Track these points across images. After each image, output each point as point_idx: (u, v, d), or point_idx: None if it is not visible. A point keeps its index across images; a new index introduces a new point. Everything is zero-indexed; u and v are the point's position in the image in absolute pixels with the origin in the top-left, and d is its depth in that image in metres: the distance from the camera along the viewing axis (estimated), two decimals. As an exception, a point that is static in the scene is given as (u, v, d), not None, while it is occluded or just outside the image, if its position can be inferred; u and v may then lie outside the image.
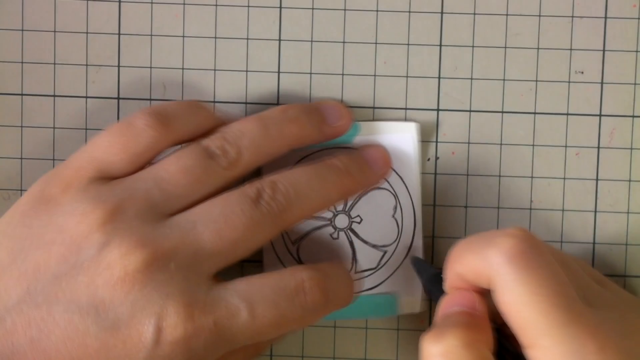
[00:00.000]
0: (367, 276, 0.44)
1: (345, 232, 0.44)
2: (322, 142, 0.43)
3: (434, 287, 0.40)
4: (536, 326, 0.33)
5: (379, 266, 0.44)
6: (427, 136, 0.45)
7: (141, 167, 0.39)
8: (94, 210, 0.36)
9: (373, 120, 0.45)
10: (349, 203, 0.44)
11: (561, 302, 0.34)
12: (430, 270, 0.41)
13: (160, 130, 0.38)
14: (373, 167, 0.43)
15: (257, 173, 0.43)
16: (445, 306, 0.37)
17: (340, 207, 0.44)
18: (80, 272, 0.36)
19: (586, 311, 0.34)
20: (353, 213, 0.44)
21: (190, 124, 0.40)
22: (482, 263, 0.35)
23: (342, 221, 0.44)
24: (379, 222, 0.44)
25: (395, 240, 0.44)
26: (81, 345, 0.35)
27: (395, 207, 0.44)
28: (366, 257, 0.44)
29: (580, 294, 0.36)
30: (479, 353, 0.34)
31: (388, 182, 0.44)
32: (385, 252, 0.44)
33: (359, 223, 0.44)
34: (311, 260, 0.44)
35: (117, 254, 0.36)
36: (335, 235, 0.44)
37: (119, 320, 0.35)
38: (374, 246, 0.44)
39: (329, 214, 0.44)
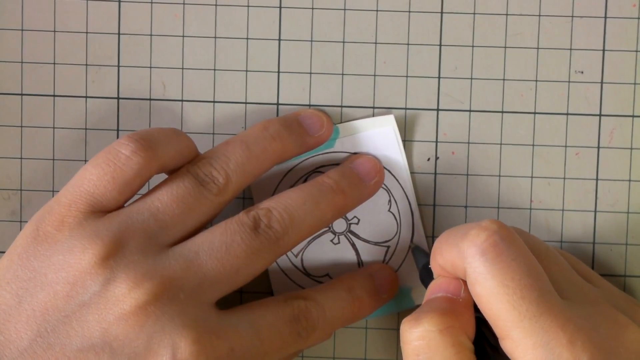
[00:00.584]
0: None
1: (345, 235, 0.44)
2: (305, 152, 0.44)
3: (426, 277, 0.40)
4: (507, 318, 0.34)
5: (385, 262, 0.44)
6: (427, 136, 0.45)
7: (131, 196, 0.39)
8: (93, 245, 0.36)
9: (350, 120, 0.45)
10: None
11: (532, 295, 0.34)
12: (425, 259, 0.41)
13: (145, 157, 0.38)
14: (365, 179, 0.43)
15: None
16: (430, 292, 0.38)
17: None
18: (90, 310, 0.35)
19: (559, 303, 0.34)
20: (349, 215, 0.44)
21: (174, 149, 0.40)
22: (457, 255, 0.36)
23: (340, 225, 0.44)
24: (376, 219, 0.44)
25: (396, 234, 0.44)
26: None
27: (390, 202, 0.44)
28: (370, 256, 0.44)
29: (559, 286, 0.36)
30: (454, 339, 0.35)
31: None
32: (388, 248, 0.44)
33: (357, 224, 0.44)
34: (316, 269, 0.45)
35: (124, 288, 0.36)
36: (335, 241, 0.44)
37: (135, 354, 0.35)
38: (376, 244, 0.44)
39: None
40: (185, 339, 0.35)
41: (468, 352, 0.35)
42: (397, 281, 0.44)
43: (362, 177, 0.43)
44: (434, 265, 0.38)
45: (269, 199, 0.41)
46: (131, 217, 0.38)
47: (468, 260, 0.35)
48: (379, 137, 0.44)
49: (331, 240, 0.44)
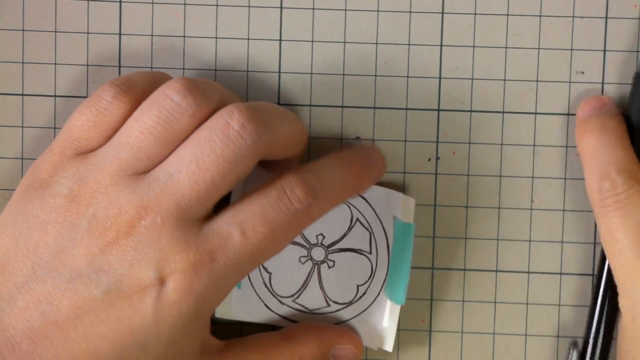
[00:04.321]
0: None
1: (318, 265, 0.44)
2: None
3: None
4: None
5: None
6: (428, 136, 0.45)
7: None
8: (76, 186, 0.38)
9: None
10: (326, 241, 0.44)
11: None
12: None
13: (126, 100, 0.39)
14: (373, 165, 0.44)
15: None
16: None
17: (316, 241, 0.44)
18: (77, 245, 0.37)
19: None
20: (331, 255, 0.44)
21: (154, 90, 0.40)
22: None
23: (318, 254, 0.44)
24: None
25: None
26: (90, 310, 0.37)
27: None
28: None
29: None
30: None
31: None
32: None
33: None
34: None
35: (106, 221, 0.37)
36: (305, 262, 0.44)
37: (120, 280, 0.37)
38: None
39: (304, 250, 0.44)
40: (164, 260, 0.37)
41: None
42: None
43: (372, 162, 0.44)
44: None
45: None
46: (106, 154, 0.38)
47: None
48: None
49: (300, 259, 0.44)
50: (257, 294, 0.44)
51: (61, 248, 0.37)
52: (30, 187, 0.39)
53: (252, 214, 0.38)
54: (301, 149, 0.43)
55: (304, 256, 0.44)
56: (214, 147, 0.37)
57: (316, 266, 0.44)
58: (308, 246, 0.44)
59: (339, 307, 0.44)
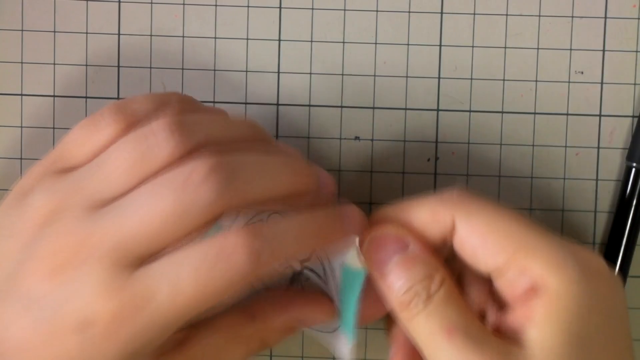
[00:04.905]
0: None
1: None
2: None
3: None
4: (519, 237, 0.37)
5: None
6: (427, 136, 0.45)
7: None
8: (46, 202, 0.37)
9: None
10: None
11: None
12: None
13: (121, 127, 0.38)
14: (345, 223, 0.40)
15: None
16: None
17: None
18: (22, 268, 0.37)
19: None
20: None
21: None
22: (438, 210, 0.38)
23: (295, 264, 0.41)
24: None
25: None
26: (31, 336, 0.36)
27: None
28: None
29: None
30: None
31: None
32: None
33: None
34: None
35: (47, 250, 0.36)
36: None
37: (52, 312, 0.36)
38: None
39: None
40: (90, 300, 0.35)
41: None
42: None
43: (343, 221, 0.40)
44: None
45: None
46: (80, 175, 0.38)
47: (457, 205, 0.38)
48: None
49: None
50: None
51: (18, 263, 0.37)
52: (19, 193, 0.39)
53: (186, 271, 0.35)
54: (311, 189, 0.39)
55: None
56: (167, 198, 0.35)
57: (295, 275, 0.42)
58: None
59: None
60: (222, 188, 0.36)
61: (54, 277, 0.36)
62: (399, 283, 0.38)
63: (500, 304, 0.39)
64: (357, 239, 0.38)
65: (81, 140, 0.38)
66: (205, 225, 0.36)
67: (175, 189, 0.36)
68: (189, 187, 0.35)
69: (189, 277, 0.35)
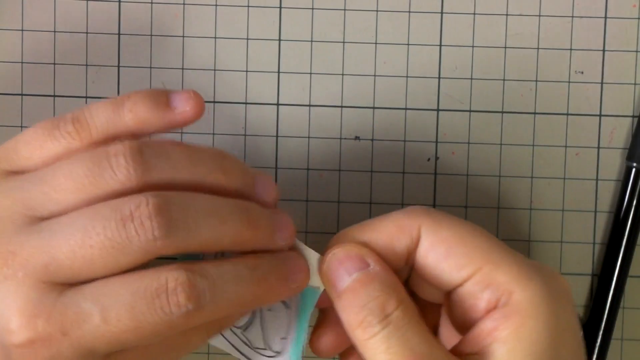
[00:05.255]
0: (273, 357, 0.40)
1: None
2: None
3: None
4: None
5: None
6: (427, 136, 0.45)
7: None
8: None
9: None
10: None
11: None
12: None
13: (81, 138, 0.37)
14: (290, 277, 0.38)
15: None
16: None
17: None
18: None
19: None
20: None
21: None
22: (403, 224, 0.37)
23: None
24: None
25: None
26: None
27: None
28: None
29: None
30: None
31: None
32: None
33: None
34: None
35: None
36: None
37: None
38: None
39: None
40: (11, 320, 0.34)
41: None
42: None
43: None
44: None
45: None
46: (27, 181, 0.36)
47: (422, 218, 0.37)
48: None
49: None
50: None
51: None
52: None
53: (121, 302, 0.33)
54: (261, 242, 0.37)
55: None
56: (105, 229, 0.34)
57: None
58: None
59: (272, 354, 0.40)
60: (163, 233, 0.34)
61: None
62: (354, 301, 0.36)
63: (457, 322, 0.37)
64: (317, 257, 0.38)
65: (35, 143, 0.37)
66: (140, 264, 0.34)
67: (116, 221, 0.34)
68: (131, 223, 0.34)
69: (124, 309, 0.33)
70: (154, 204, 0.34)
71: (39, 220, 0.35)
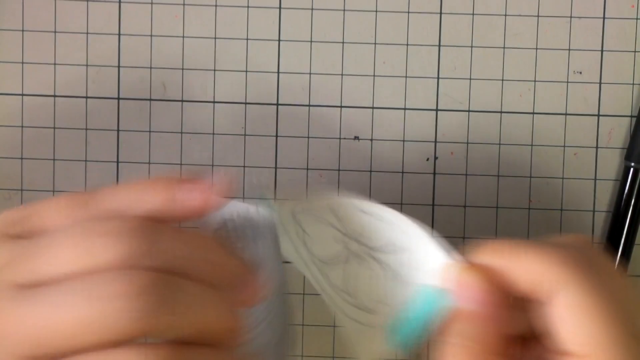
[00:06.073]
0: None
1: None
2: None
3: None
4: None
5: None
6: (426, 136, 0.45)
7: None
8: None
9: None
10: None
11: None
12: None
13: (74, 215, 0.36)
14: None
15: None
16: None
17: None
18: None
19: None
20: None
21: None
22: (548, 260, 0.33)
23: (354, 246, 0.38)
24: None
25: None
26: None
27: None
28: None
29: None
30: None
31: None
32: None
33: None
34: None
35: None
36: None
37: None
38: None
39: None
40: None
41: None
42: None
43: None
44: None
45: None
46: (20, 247, 0.35)
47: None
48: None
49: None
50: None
51: None
52: None
53: None
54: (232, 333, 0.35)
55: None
56: (92, 303, 0.33)
57: (351, 256, 0.37)
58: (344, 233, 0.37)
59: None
60: (146, 314, 0.33)
61: None
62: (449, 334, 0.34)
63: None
64: (444, 261, 0.35)
65: (56, 210, 0.35)
66: (124, 341, 0.33)
67: (101, 298, 0.33)
68: (117, 300, 0.33)
69: None
70: (141, 284, 0.33)
71: (29, 287, 0.34)
